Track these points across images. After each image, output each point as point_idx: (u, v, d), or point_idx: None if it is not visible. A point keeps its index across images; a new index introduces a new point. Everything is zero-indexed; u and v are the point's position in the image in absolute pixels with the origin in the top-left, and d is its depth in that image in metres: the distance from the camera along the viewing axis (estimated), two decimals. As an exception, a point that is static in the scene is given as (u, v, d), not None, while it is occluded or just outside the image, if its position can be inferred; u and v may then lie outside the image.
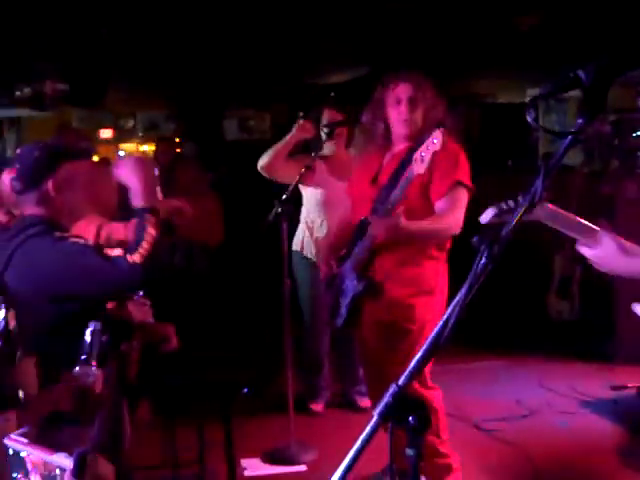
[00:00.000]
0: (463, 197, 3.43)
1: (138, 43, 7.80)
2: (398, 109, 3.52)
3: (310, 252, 4.90)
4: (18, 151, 2.89)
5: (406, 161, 3.32)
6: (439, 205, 3.41)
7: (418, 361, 1.48)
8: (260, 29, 8.43)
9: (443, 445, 3.56)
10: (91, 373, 2.37)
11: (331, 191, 4.74)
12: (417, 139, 3.33)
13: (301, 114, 4.87)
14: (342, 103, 5.05)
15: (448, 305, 1.47)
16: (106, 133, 10.80)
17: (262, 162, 4.71)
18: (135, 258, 2.53)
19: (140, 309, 3.24)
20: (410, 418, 1.46)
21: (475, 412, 4.81)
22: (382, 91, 3.60)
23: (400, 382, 1.47)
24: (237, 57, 9.13)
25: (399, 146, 3.59)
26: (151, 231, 2.59)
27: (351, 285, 3.49)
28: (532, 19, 6.97)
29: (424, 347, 1.48)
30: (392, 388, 1.46)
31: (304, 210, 4.99)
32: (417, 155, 3.12)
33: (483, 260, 1.43)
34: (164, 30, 8.02)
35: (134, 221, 3.33)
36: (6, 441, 2.16)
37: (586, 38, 7.65)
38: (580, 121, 1.41)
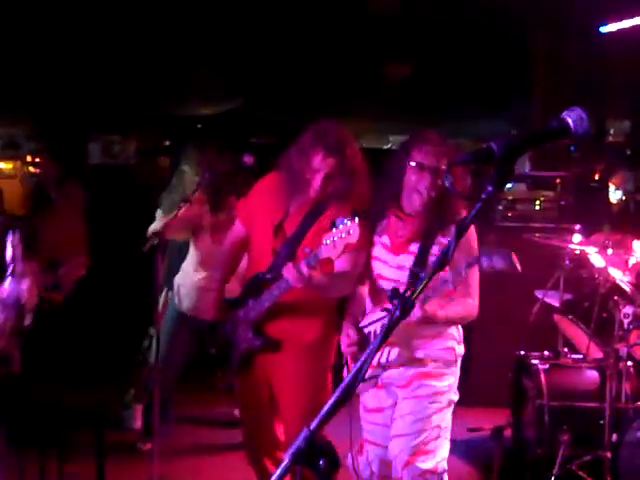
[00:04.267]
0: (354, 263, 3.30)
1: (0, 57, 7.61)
2: (317, 175, 3.30)
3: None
4: None
5: (313, 217, 3.33)
6: (336, 265, 3.26)
7: (330, 407, 1.55)
8: (132, 56, 8.39)
9: None
10: None
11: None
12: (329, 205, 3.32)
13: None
14: (209, 135, 5.04)
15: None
16: (-41, 147, 10.35)
17: None
18: None
19: None
20: (320, 461, 1.52)
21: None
22: (309, 142, 3.34)
23: (312, 427, 1.53)
24: (106, 81, 9.03)
25: (309, 194, 3.37)
26: None
27: (246, 337, 3.43)
28: (404, 69, 7.27)
29: (336, 393, 1.54)
30: (304, 432, 1.52)
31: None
32: (329, 238, 2.96)
33: (397, 313, 1.52)
34: (32, 47, 7.85)
35: None
36: None
37: (451, 91, 8.05)
38: (490, 189, 1.52)
